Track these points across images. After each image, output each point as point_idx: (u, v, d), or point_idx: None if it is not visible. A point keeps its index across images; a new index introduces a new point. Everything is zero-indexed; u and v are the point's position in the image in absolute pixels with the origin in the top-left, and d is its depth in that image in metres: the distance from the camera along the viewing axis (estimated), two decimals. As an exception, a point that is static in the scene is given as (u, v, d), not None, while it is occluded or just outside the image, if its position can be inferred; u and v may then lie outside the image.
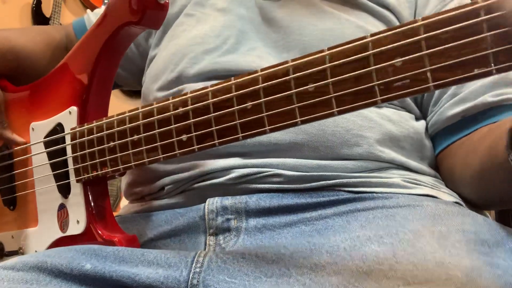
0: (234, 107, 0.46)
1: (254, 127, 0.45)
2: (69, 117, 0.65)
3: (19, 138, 0.71)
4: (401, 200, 0.53)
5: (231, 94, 0.46)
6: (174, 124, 0.51)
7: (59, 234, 0.65)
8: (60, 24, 2.66)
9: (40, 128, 0.69)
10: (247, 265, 0.48)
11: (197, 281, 0.49)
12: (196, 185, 0.61)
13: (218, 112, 0.47)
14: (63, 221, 0.65)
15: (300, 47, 0.63)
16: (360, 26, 0.64)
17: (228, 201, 0.57)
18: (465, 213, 0.52)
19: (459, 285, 0.39)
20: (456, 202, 0.58)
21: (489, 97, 0.60)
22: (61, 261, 0.52)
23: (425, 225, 0.48)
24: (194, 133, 0.49)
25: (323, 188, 0.56)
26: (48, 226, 0.67)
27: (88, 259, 0.52)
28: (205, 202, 0.58)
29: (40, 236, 0.68)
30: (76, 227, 0.62)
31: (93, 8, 2.88)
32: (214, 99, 0.48)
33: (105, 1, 2.83)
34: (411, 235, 0.46)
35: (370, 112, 0.60)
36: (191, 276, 0.49)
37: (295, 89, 0.42)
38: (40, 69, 0.78)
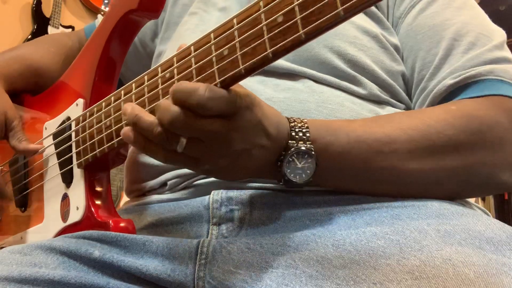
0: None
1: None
2: (76, 109, 0.65)
3: (33, 147, 0.71)
4: (406, 200, 0.53)
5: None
6: (161, 86, 0.50)
7: (61, 225, 0.65)
8: (60, 24, 2.67)
9: (51, 125, 0.70)
10: (252, 256, 0.48)
11: (204, 273, 0.49)
12: (199, 181, 0.60)
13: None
14: (65, 211, 0.65)
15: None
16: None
17: (233, 193, 0.56)
18: (469, 212, 0.52)
19: (467, 282, 0.39)
20: (460, 203, 0.58)
21: (449, 80, 0.59)
22: (69, 245, 0.52)
23: (431, 224, 0.47)
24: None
25: (329, 191, 0.56)
26: (52, 219, 0.67)
27: (94, 246, 0.52)
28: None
29: (44, 230, 0.69)
30: (75, 213, 0.62)
31: (93, 8, 2.90)
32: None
33: (105, 1, 2.84)
34: (416, 233, 0.46)
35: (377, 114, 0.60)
36: (197, 268, 0.49)
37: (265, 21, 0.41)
38: (57, 78, 0.79)
